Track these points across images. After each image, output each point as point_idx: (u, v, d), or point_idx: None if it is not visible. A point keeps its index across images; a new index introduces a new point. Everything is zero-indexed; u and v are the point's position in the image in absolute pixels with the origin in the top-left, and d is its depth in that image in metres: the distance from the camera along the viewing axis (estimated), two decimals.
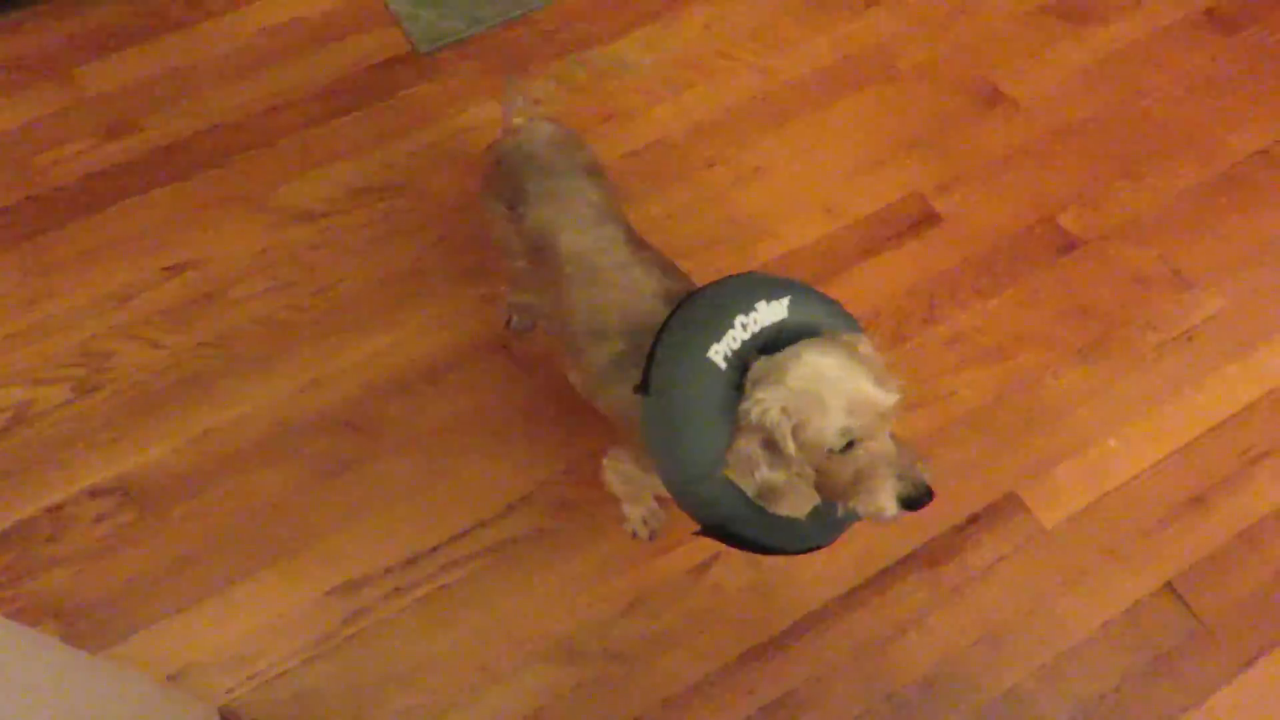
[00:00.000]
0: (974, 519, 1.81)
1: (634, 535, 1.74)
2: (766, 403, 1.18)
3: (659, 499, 1.73)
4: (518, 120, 1.60)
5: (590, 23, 2.31)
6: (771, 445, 1.19)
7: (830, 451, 1.17)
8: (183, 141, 2.11)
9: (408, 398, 1.87)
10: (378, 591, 1.71)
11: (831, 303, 1.33)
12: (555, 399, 1.87)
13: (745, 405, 1.19)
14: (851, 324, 1.33)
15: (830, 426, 1.15)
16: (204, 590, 1.69)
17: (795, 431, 1.17)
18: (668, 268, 1.43)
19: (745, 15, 2.34)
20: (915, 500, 1.18)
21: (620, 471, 1.55)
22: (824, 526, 1.32)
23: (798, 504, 1.24)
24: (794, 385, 1.17)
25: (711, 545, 1.71)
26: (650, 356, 1.28)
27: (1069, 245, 2.09)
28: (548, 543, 1.76)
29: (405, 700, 1.63)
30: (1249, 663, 1.73)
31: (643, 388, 1.28)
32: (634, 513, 1.72)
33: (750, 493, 1.22)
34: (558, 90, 2.21)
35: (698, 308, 1.28)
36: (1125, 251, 2.09)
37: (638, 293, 1.38)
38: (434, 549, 1.74)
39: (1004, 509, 1.83)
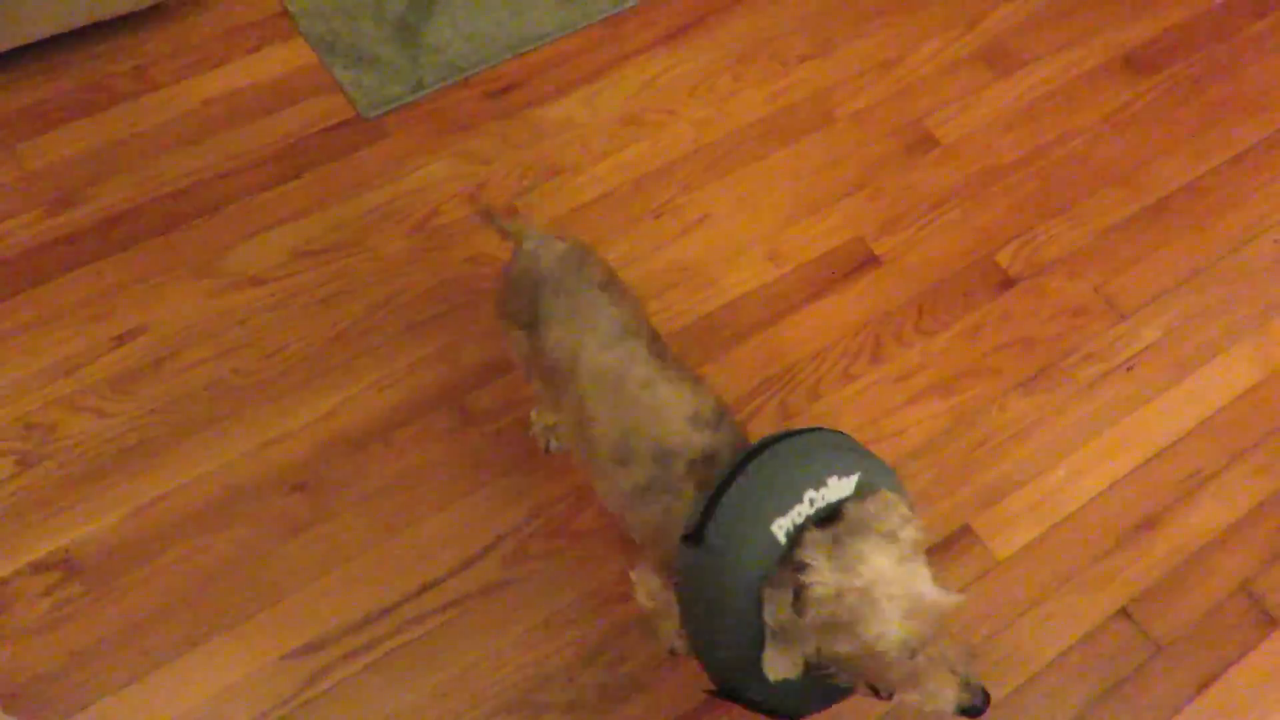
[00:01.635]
0: (929, 552, 1.83)
1: (672, 651, 1.70)
2: (824, 577, 1.16)
3: None
4: (529, 244, 1.56)
5: (532, 83, 2.35)
6: (800, 603, 1.17)
7: (885, 655, 1.15)
8: (128, 212, 2.11)
9: (360, 456, 1.86)
10: (336, 653, 1.68)
11: (892, 474, 1.33)
12: (510, 452, 1.87)
13: (804, 556, 1.18)
14: (901, 492, 1.33)
15: (892, 638, 1.14)
16: (156, 660, 1.66)
17: (842, 625, 1.15)
18: (694, 383, 1.41)
19: (683, 72, 2.40)
20: (975, 710, 1.18)
21: (648, 589, 1.53)
22: (827, 692, 1.32)
23: (782, 666, 1.21)
24: (855, 577, 1.15)
25: None
26: (710, 507, 1.25)
27: (1007, 282, 2.14)
28: (508, 595, 1.74)
29: None
30: (1207, 683, 1.75)
31: (695, 538, 1.25)
32: (666, 630, 1.66)
33: (768, 622, 1.20)
34: (503, 148, 2.24)
35: (769, 472, 1.26)
36: (1061, 286, 2.15)
37: (664, 414, 1.35)
38: (392, 607, 1.72)
39: (958, 542, 1.85)
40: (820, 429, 1.36)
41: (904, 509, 1.24)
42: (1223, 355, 2.09)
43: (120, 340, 1.95)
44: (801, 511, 1.23)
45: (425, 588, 1.74)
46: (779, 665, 1.19)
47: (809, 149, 2.31)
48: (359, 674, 1.67)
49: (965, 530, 1.85)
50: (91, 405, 1.88)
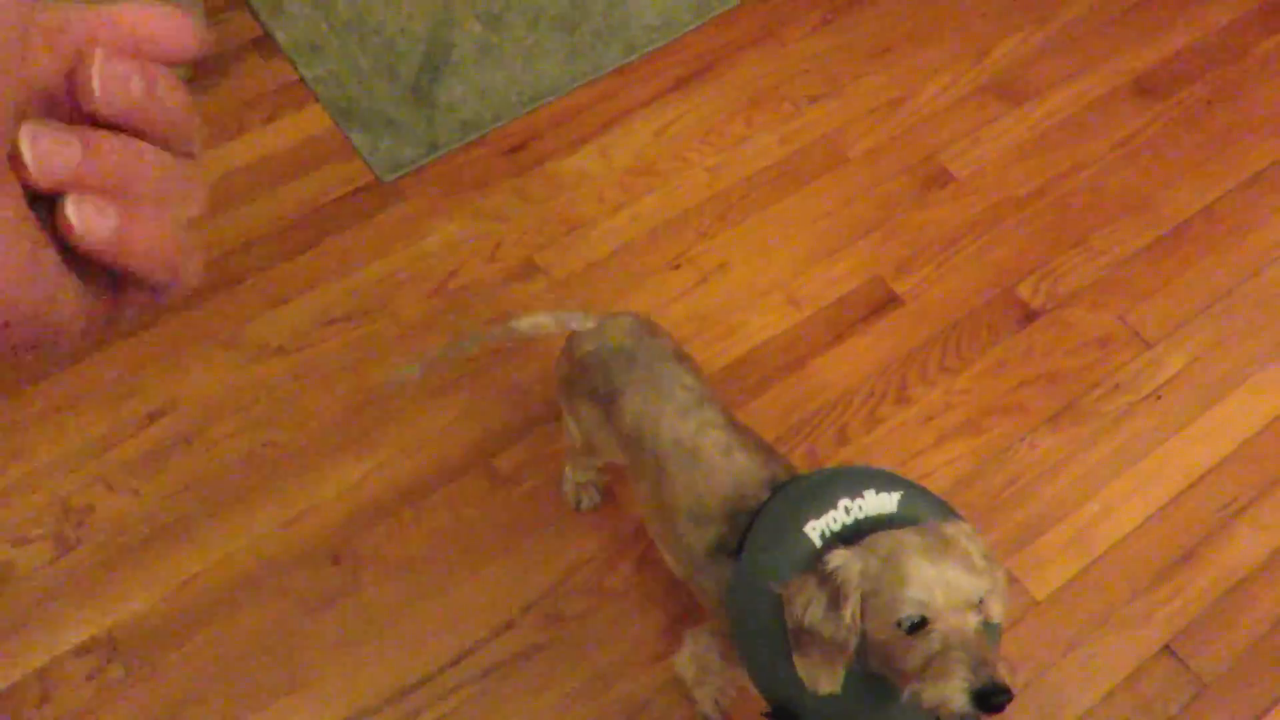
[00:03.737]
0: None
1: (706, 718, 1.70)
2: (848, 560, 1.15)
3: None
4: (589, 323, 1.59)
5: (545, 138, 2.37)
6: (833, 602, 1.15)
7: (899, 627, 1.11)
8: None
9: (390, 523, 1.86)
10: None
11: (944, 503, 1.31)
12: (541, 511, 1.88)
13: (827, 555, 1.17)
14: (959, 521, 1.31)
15: (905, 597, 1.10)
16: None
17: (867, 598, 1.13)
18: (769, 451, 1.44)
19: (694, 119, 2.42)
20: (988, 696, 1.05)
21: (698, 656, 1.54)
22: None
23: (822, 670, 1.18)
24: (877, 553, 1.15)
25: None
26: (750, 526, 1.29)
27: (1029, 315, 2.14)
28: (544, 658, 1.74)
29: None
30: (1257, 718, 1.72)
31: (736, 551, 1.29)
32: (703, 695, 1.67)
33: (789, 624, 1.19)
34: (519, 204, 2.26)
35: (803, 486, 1.30)
36: (1084, 317, 2.14)
37: (741, 477, 1.38)
38: (429, 678, 1.72)
39: None
40: (862, 465, 1.37)
41: (957, 520, 1.23)
42: (1250, 381, 2.07)
43: (151, 418, 1.97)
44: (837, 518, 1.23)
45: (462, 655, 1.74)
46: (811, 672, 1.17)
47: (824, 190, 2.32)
48: None
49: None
50: (126, 484, 1.89)
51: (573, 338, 1.62)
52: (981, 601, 1.13)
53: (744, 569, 1.26)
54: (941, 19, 2.59)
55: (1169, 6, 2.62)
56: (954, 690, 1.07)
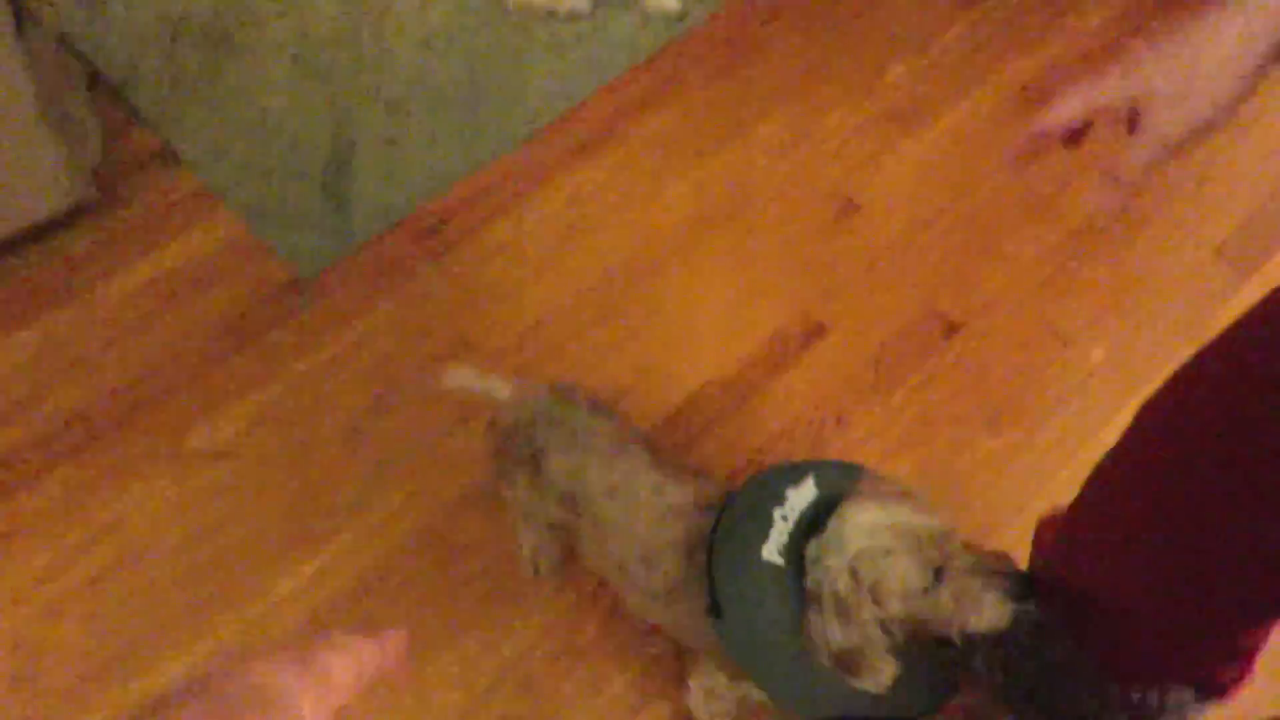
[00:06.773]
0: None
1: None
2: (833, 571, 1.19)
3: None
4: (506, 392, 1.64)
5: (460, 218, 2.40)
6: (845, 613, 1.19)
7: (926, 591, 1.18)
8: (79, 412, 2.10)
9: (355, 614, 1.84)
10: None
11: (852, 466, 1.38)
12: (500, 582, 1.87)
13: (812, 579, 1.21)
14: (869, 474, 1.38)
15: (911, 566, 1.17)
16: None
17: (875, 589, 1.18)
18: (696, 475, 1.48)
19: (605, 180, 2.46)
20: (1020, 588, 1.17)
21: (708, 689, 1.55)
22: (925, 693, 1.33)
23: (879, 670, 1.21)
24: (852, 547, 1.19)
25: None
26: (710, 576, 1.30)
27: (952, 328, 2.20)
28: None
29: None
30: None
31: (713, 609, 1.30)
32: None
33: (828, 664, 1.22)
34: (443, 285, 2.28)
35: (735, 515, 1.33)
36: (1004, 322, 2.21)
37: (677, 510, 1.41)
38: None
39: None
40: (769, 466, 1.44)
41: (866, 473, 1.33)
42: (1171, 363, 2.14)
43: (91, 541, 1.93)
44: (781, 530, 1.28)
45: None
46: (872, 676, 1.20)
47: (740, 232, 2.37)
48: None
49: None
50: (75, 611, 1.85)
51: (495, 413, 1.64)
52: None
53: (734, 623, 1.28)
54: (831, 54, 2.68)
55: (1039, 16, 2.75)
56: (996, 606, 1.18)
